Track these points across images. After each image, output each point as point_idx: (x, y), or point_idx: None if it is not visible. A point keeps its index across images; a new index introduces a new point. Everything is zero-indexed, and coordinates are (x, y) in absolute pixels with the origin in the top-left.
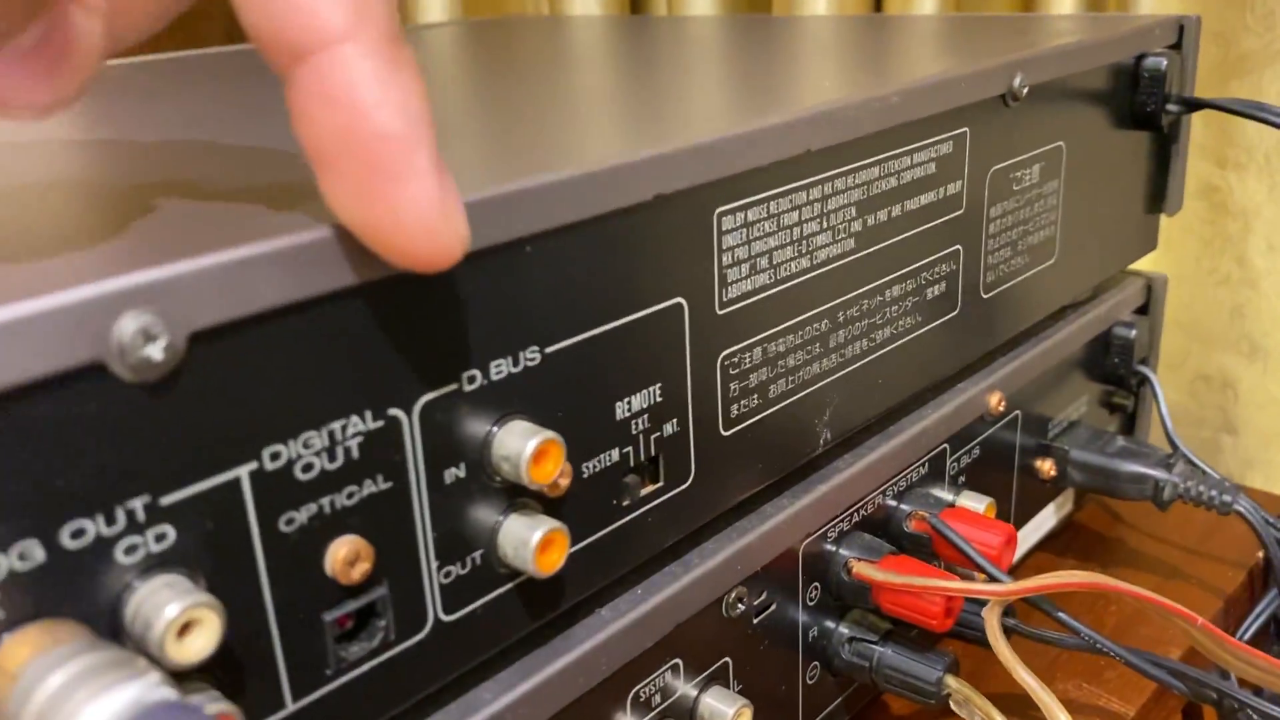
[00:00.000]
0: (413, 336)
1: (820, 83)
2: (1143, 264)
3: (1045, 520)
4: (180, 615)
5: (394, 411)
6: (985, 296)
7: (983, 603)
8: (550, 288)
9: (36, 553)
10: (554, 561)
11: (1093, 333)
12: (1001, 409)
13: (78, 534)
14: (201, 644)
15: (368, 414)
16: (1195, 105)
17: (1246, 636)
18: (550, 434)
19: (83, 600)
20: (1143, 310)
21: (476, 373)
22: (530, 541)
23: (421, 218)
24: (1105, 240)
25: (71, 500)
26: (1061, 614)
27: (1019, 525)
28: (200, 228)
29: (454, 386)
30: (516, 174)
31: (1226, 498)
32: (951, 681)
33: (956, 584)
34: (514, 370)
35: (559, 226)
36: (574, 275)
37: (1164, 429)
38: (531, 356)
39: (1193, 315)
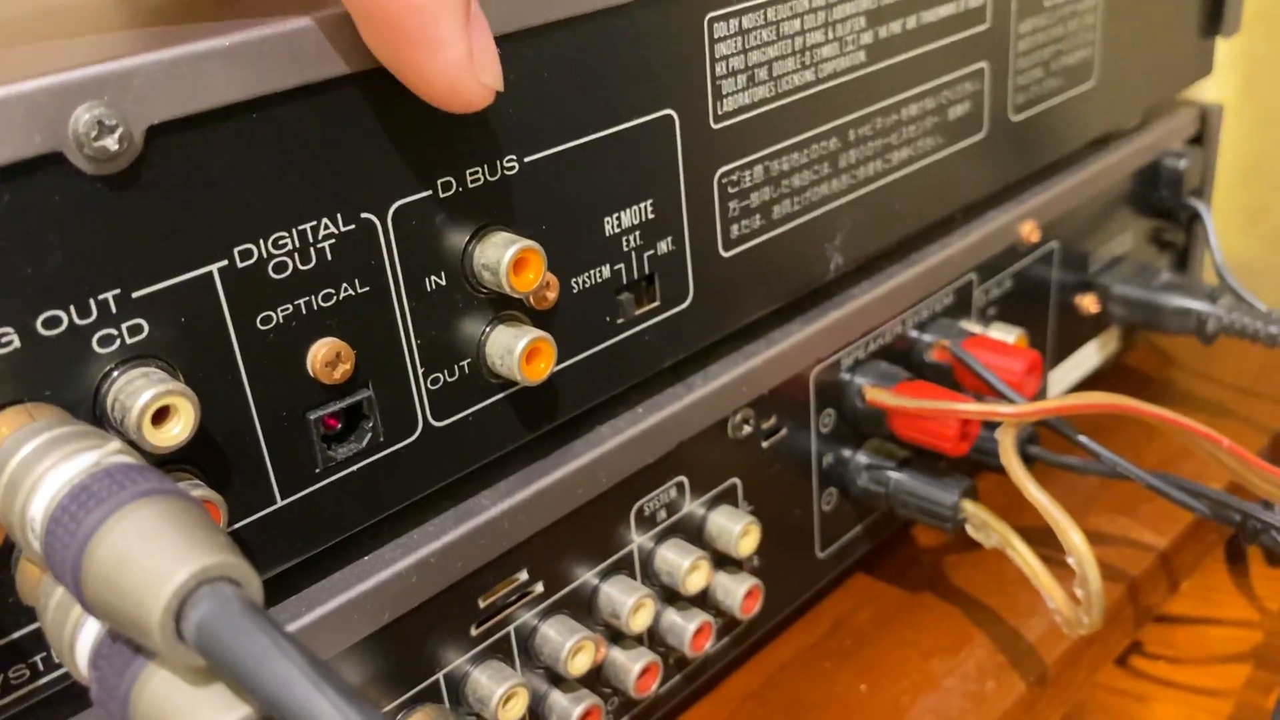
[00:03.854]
0: (383, 140)
1: None
2: (1216, 101)
3: (1087, 358)
4: (153, 401)
5: (366, 215)
6: (1015, 119)
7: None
8: (527, 94)
9: (12, 339)
10: (541, 370)
11: (1139, 162)
12: (1035, 239)
13: (52, 323)
14: (177, 431)
15: (339, 216)
16: None
17: None
18: (529, 242)
19: (63, 387)
20: (1196, 141)
21: (451, 179)
22: (515, 349)
23: (450, 80)
24: (1152, 64)
25: (44, 289)
26: (1083, 438)
27: (1057, 361)
28: (162, 29)
29: (428, 193)
30: None
31: (1273, 329)
32: (969, 506)
33: (970, 405)
34: (491, 178)
35: (532, 27)
36: (552, 81)
37: (1214, 262)
38: (510, 165)
39: (1274, 162)
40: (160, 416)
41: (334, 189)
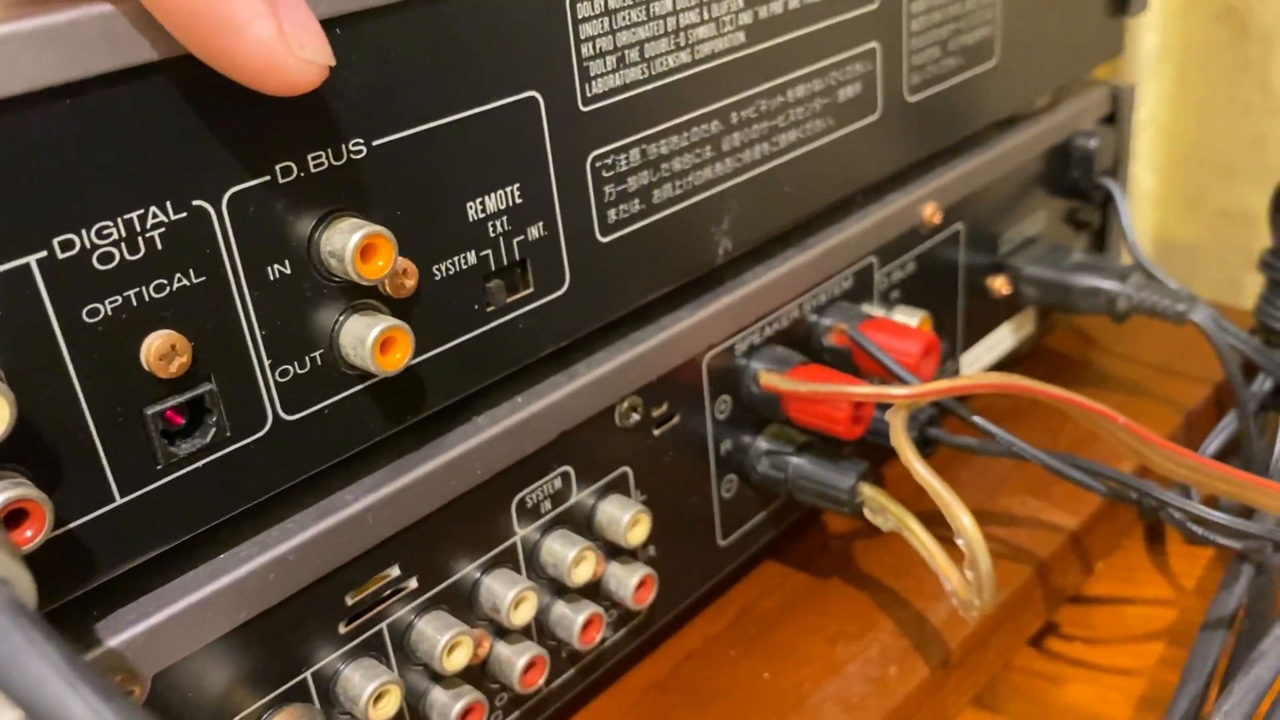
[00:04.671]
0: (213, 125)
1: None
2: (1150, 91)
3: (1001, 340)
4: None
5: (199, 203)
6: (911, 100)
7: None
8: (374, 75)
9: None
10: (397, 360)
11: (1049, 142)
12: (937, 221)
13: None
14: None
15: (168, 205)
16: None
17: (1208, 452)
18: (376, 228)
19: None
20: (1109, 121)
21: (292, 164)
22: (367, 339)
23: (263, 60)
24: (1058, 43)
25: None
26: (977, 418)
27: (969, 344)
28: None
29: (266, 179)
30: None
31: (1181, 307)
32: (866, 489)
33: (860, 388)
34: (336, 163)
35: (373, 6)
36: (401, 62)
37: (1125, 241)
38: (356, 149)
39: (1213, 148)
40: None
41: (162, 176)
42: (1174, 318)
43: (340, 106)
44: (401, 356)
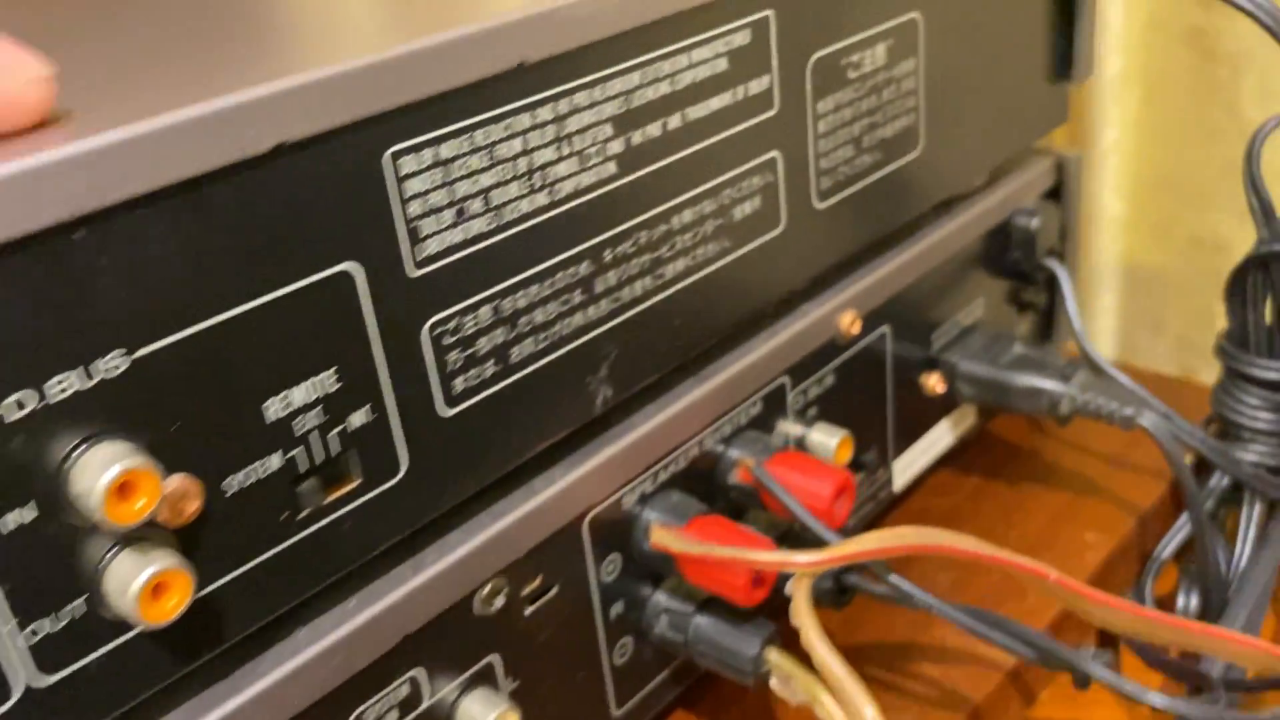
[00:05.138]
0: None
1: None
2: (1114, 115)
3: (940, 438)
4: None
5: None
6: (821, 206)
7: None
8: (129, 277)
9: None
10: (170, 609)
11: (984, 226)
12: (856, 331)
13: None
14: None
15: None
16: None
17: (1163, 556)
18: (130, 463)
19: None
20: (1054, 194)
21: (28, 394)
22: (130, 589)
23: None
24: (993, 120)
25: None
26: (892, 577)
27: (903, 447)
28: None
29: None
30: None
31: (1129, 411)
32: (773, 655)
33: (759, 553)
34: (86, 385)
35: (126, 199)
36: (168, 258)
37: (1071, 330)
38: (114, 364)
39: (1182, 173)
40: None
41: None
42: (1121, 422)
43: (88, 317)
44: (177, 602)
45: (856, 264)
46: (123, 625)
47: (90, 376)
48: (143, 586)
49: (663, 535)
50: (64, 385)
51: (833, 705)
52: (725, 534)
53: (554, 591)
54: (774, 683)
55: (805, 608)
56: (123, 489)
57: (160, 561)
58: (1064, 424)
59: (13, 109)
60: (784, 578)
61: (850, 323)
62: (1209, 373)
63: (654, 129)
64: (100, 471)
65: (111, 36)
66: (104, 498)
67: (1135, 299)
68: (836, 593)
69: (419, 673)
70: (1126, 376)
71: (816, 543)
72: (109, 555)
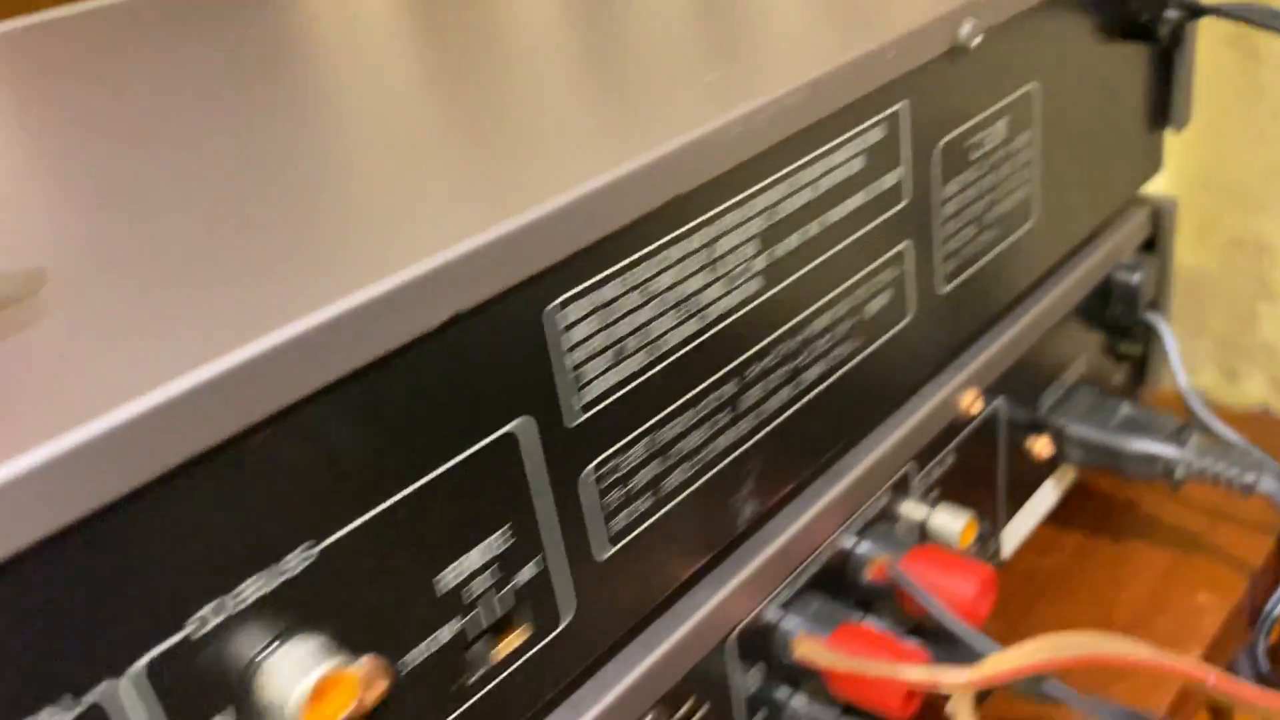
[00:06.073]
0: (119, 588)
1: (673, 94)
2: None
3: (1044, 500)
4: None
5: (104, 686)
6: (944, 291)
7: None
8: (314, 468)
9: None
10: None
11: (1088, 286)
12: (978, 410)
13: None
14: None
15: (66, 699)
16: (1198, 11)
17: (1276, 614)
18: (330, 665)
19: None
20: (1149, 245)
21: (223, 600)
22: None
23: None
24: (1098, 179)
25: None
26: (1050, 685)
27: (1010, 515)
28: None
29: (182, 635)
30: (215, 340)
31: (1250, 477)
32: None
33: (914, 670)
34: (272, 586)
35: (306, 396)
36: (350, 443)
37: (1178, 385)
38: (304, 557)
39: (1225, 175)
40: None
41: (48, 669)
42: (1241, 490)
43: (276, 516)
44: None
45: (972, 341)
46: None
47: (281, 573)
48: None
49: (809, 649)
50: (255, 588)
51: None
52: (873, 646)
53: (703, 711)
54: None
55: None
56: (318, 694)
57: None
58: (1177, 489)
59: None
60: None
61: (971, 402)
62: (1249, 375)
63: (794, 239)
64: (297, 676)
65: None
66: (302, 706)
67: (1175, 300)
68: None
69: None
70: (1236, 434)
71: (962, 645)
72: None
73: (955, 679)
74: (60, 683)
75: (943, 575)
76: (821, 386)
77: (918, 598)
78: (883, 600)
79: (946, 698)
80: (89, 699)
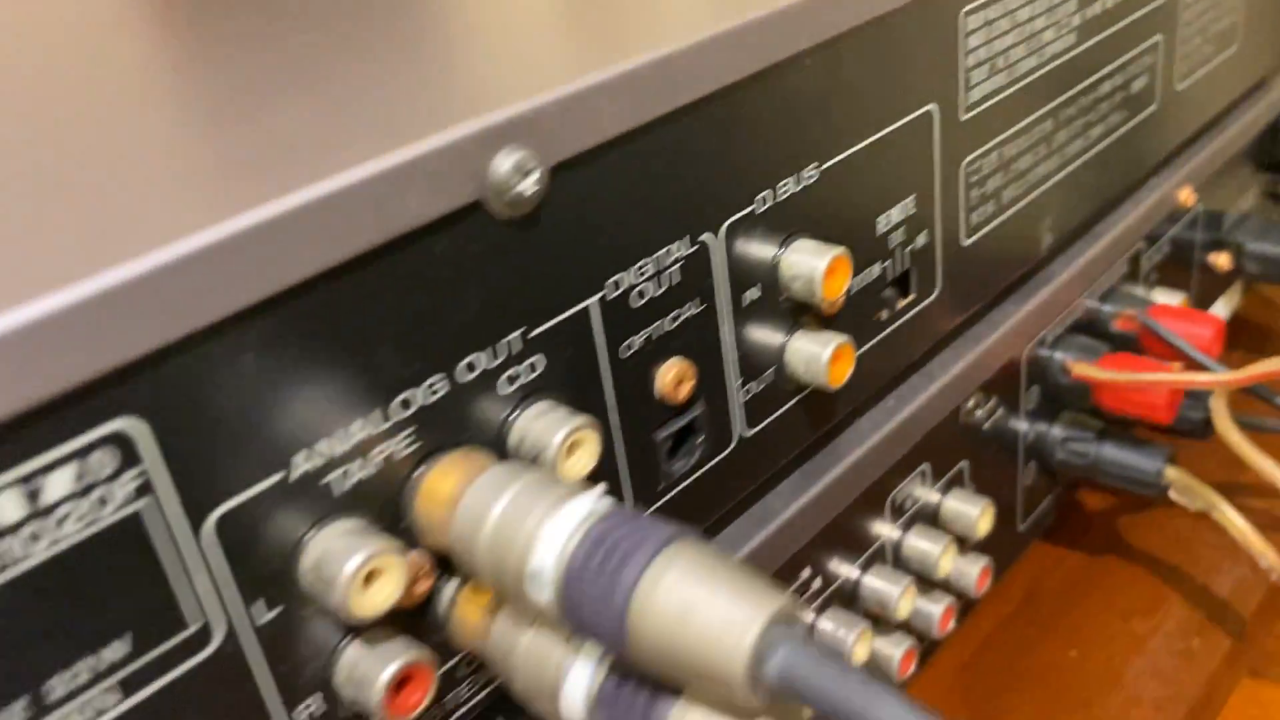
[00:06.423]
0: (717, 159)
1: None
2: None
3: (1219, 314)
4: (569, 436)
5: (704, 236)
6: (1179, 88)
7: (1197, 395)
8: (824, 101)
9: (441, 386)
10: (843, 373)
11: (1268, 119)
12: (1192, 203)
13: (470, 367)
14: (585, 460)
15: (685, 239)
16: None
17: None
18: (839, 250)
19: (477, 429)
20: None
21: (768, 193)
22: (822, 356)
23: None
24: None
25: (463, 336)
26: None
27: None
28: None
29: (750, 209)
30: None
31: None
32: (1172, 472)
33: (1180, 376)
34: (796, 189)
35: (833, 36)
36: (844, 86)
37: None
38: (810, 174)
39: None
40: (570, 449)
41: (681, 213)
42: None
43: (803, 133)
44: (847, 369)
45: (1189, 145)
46: (791, 391)
47: (799, 182)
48: (831, 354)
49: (1084, 368)
50: (785, 188)
51: (1230, 512)
52: (1136, 364)
53: (999, 412)
54: (1173, 494)
55: (1227, 417)
56: (830, 271)
57: (837, 338)
58: None
59: None
60: None
61: (1187, 196)
62: None
63: (1097, 6)
64: (817, 256)
65: None
66: (823, 275)
67: None
68: (1204, 424)
69: (926, 467)
70: None
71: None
72: (790, 336)
73: (1216, 378)
74: (685, 226)
75: (1184, 324)
76: (1099, 147)
77: (1167, 338)
78: (1125, 349)
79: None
80: (700, 239)
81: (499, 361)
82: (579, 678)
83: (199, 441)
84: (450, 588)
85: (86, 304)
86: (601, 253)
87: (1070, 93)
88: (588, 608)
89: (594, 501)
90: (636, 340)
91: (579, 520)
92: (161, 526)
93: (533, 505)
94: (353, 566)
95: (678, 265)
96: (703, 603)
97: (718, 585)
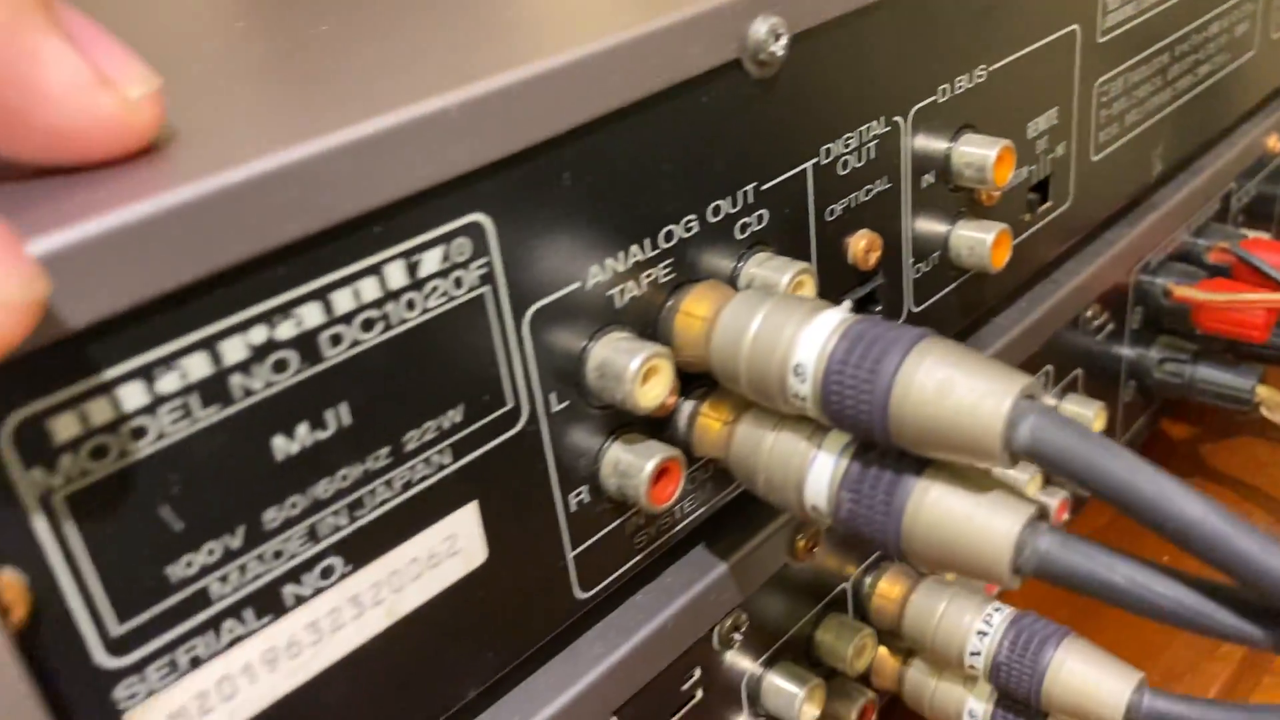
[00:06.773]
0: (913, 48)
1: None
2: None
3: None
4: (796, 277)
5: (896, 118)
6: (1274, 37)
7: None
8: (994, 9)
9: (695, 225)
10: (1003, 257)
11: None
12: (1278, 150)
13: (715, 211)
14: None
15: (881, 119)
16: None
17: None
18: (1006, 141)
19: (716, 267)
20: None
21: (946, 86)
22: (987, 240)
23: (83, 116)
24: None
25: (714, 183)
26: None
27: None
28: None
29: (932, 99)
30: None
31: None
32: (1263, 390)
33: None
34: (969, 85)
35: None
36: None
37: None
38: (980, 74)
39: None
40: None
41: (880, 94)
42: None
43: (977, 35)
44: (1005, 255)
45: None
46: (953, 276)
47: (971, 80)
48: (994, 239)
49: (1186, 290)
50: (961, 84)
51: None
52: (1234, 288)
53: (1109, 327)
54: (1264, 410)
55: None
56: (999, 160)
57: (998, 225)
58: None
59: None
60: None
61: (1275, 142)
62: None
63: None
64: (988, 147)
65: None
66: (994, 163)
67: None
68: None
69: (1049, 368)
70: None
71: None
72: (955, 223)
73: None
74: (881, 107)
75: (1275, 254)
76: (1206, 84)
77: (1260, 266)
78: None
79: None
80: (893, 120)
81: (737, 209)
82: (824, 466)
83: (525, 243)
84: (688, 406)
85: (463, 105)
86: (819, 122)
87: (1184, 29)
88: (849, 394)
89: (845, 310)
90: (838, 207)
91: (835, 324)
92: (495, 313)
93: (790, 314)
94: (637, 363)
95: (875, 142)
96: (960, 380)
97: (971, 367)
